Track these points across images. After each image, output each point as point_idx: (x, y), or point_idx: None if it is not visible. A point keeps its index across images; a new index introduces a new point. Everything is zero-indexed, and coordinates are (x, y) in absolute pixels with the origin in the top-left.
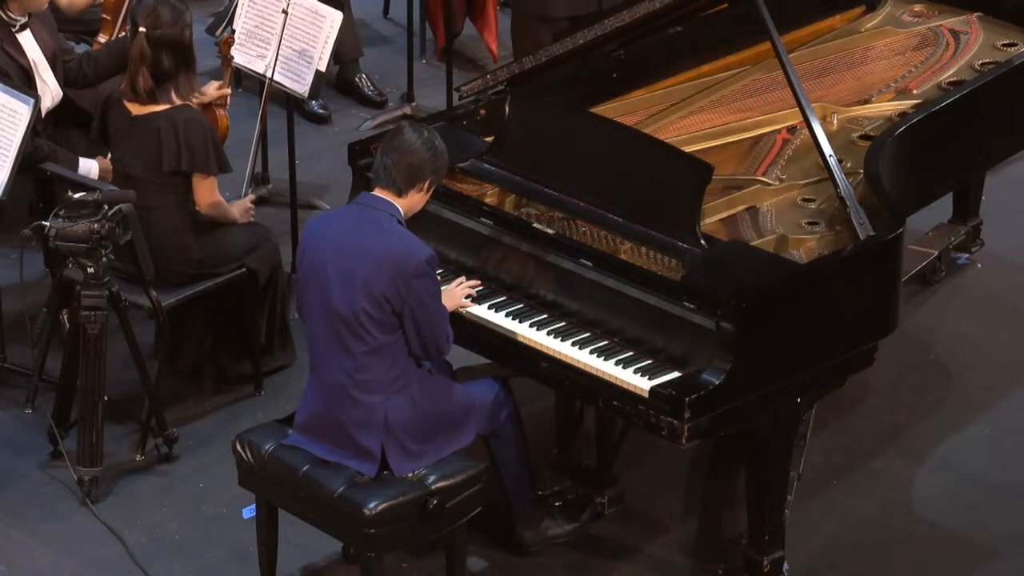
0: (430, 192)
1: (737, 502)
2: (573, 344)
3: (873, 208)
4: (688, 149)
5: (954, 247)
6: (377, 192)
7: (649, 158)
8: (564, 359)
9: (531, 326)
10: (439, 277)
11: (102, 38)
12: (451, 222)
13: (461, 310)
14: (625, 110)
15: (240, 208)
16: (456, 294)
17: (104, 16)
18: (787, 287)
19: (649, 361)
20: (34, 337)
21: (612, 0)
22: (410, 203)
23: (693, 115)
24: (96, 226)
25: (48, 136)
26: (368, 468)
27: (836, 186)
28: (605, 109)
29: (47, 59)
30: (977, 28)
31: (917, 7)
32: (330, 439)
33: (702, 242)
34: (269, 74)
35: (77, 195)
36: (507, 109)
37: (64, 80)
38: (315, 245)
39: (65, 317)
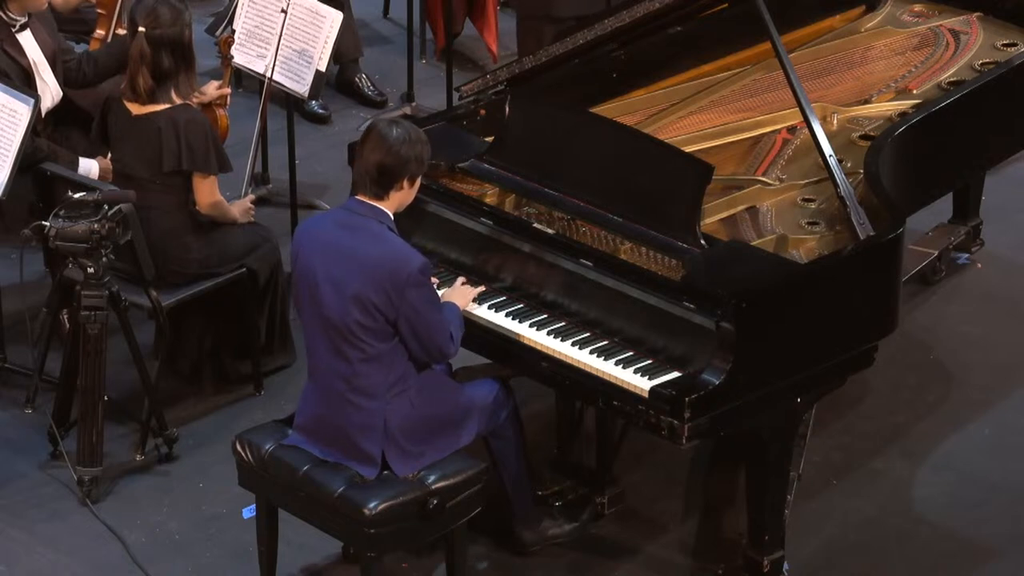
0: (416, 184)
1: (737, 502)
2: (573, 344)
3: (873, 208)
4: (688, 149)
5: (954, 247)
6: (360, 198)
7: (649, 158)
8: (564, 359)
9: (531, 326)
10: (439, 279)
11: (99, 32)
12: (451, 222)
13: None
14: (625, 110)
15: (240, 208)
16: (465, 292)
17: (99, 11)
18: (787, 287)
19: (649, 361)
20: (34, 337)
21: None
22: (396, 202)
23: (693, 115)
24: (96, 226)
25: (48, 136)
26: (369, 471)
27: (836, 186)
28: (605, 109)
29: (47, 59)
30: (977, 28)
31: (917, 7)
32: (330, 441)
33: (702, 242)
34: (269, 74)
35: (77, 195)
36: (507, 109)
37: (64, 80)
38: (305, 250)
39: (65, 317)
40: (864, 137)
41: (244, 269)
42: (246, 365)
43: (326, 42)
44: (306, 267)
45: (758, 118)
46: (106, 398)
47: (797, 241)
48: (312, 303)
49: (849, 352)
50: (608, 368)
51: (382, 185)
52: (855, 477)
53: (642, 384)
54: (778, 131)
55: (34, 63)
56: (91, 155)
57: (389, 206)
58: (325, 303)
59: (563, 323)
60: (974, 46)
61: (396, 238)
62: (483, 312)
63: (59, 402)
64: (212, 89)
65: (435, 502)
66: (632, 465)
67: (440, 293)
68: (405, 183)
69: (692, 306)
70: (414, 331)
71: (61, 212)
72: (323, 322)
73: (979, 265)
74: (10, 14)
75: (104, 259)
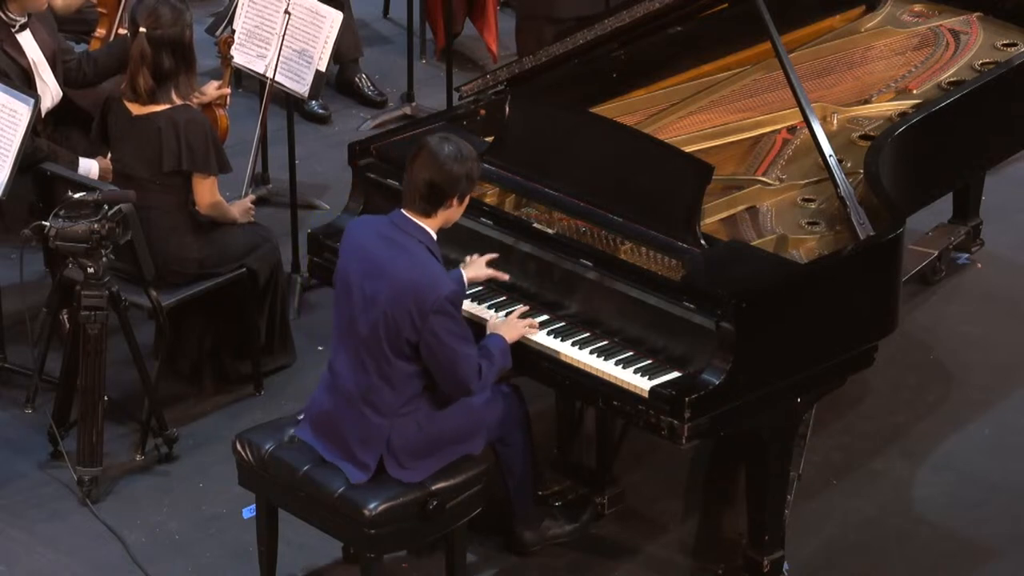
0: (465, 203)
1: (737, 502)
2: (573, 344)
3: (873, 208)
4: (688, 149)
5: (954, 247)
6: (406, 213)
7: (649, 158)
8: (564, 359)
9: None
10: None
11: (100, 32)
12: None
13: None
14: (625, 110)
15: (240, 208)
16: (516, 326)
17: (100, 11)
18: (787, 287)
19: (649, 361)
20: (34, 337)
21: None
22: (443, 219)
23: (693, 115)
24: (96, 226)
25: (48, 136)
26: (360, 476)
27: (836, 186)
28: (605, 109)
29: (47, 59)
30: (977, 28)
31: (917, 7)
32: (330, 440)
33: (702, 242)
34: (269, 74)
35: (77, 195)
36: (507, 109)
37: (64, 80)
38: (346, 253)
39: (65, 317)
40: (864, 137)
41: (244, 269)
42: (246, 365)
43: (326, 42)
44: (343, 269)
45: (758, 118)
46: (106, 398)
47: (797, 241)
48: (344, 307)
49: (849, 352)
50: (608, 368)
51: (431, 203)
52: (855, 477)
53: (642, 384)
54: (778, 131)
55: (34, 63)
56: (91, 155)
57: (434, 224)
58: (355, 313)
59: (563, 323)
60: (974, 46)
61: (432, 261)
62: (483, 313)
63: (59, 402)
64: (212, 89)
65: (435, 503)
66: (632, 465)
67: (489, 323)
68: (455, 201)
69: (692, 306)
70: (435, 359)
71: (61, 212)
72: (350, 329)
73: (979, 265)
74: (10, 14)
75: (104, 259)
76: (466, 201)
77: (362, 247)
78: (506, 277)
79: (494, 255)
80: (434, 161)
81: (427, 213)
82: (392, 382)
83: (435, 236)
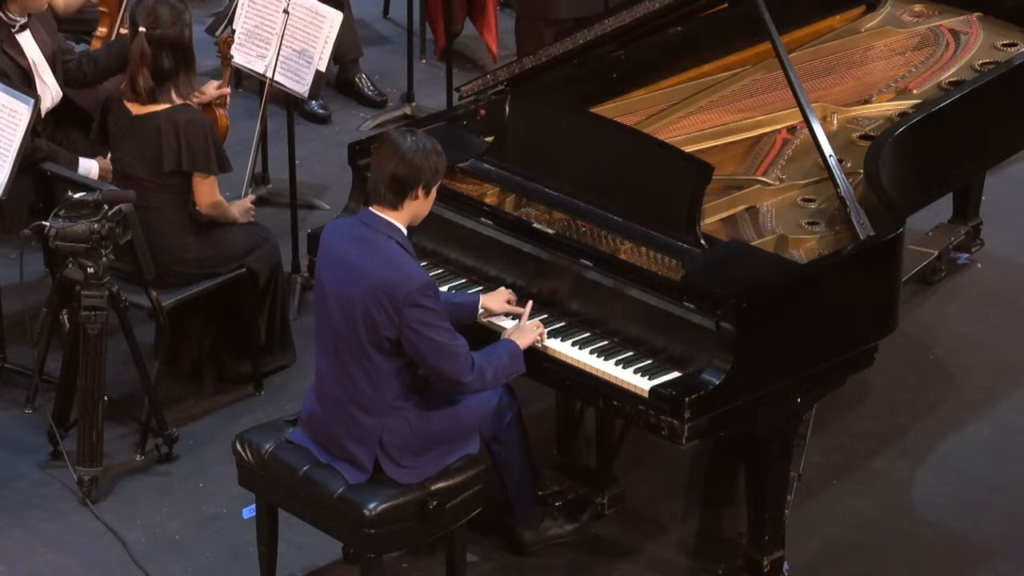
0: (431, 195)
1: (737, 502)
2: (573, 344)
3: (873, 208)
4: (688, 149)
5: (954, 247)
6: (374, 209)
7: (649, 158)
8: (564, 359)
9: None
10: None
11: (101, 30)
12: (451, 222)
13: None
14: (625, 110)
15: (240, 208)
16: (527, 330)
17: (102, 9)
18: (787, 287)
19: (649, 361)
20: (34, 337)
21: (617, 1)
22: (411, 213)
23: (693, 115)
24: (96, 226)
25: (48, 136)
26: (358, 477)
27: (836, 186)
28: (605, 109)
29: (47, 59)
30: (977, 28)
31: (917, 7)
32: (325, 443)
33: (702, 242)
34: (269, 74)
35: (77, 195)
36: (507, 109)
37: (64, 80)
38: (319, 257)
39: (65, 317)
40: (864, 137)
41: (244, 269)
42: (246, 365)
43: (326, 42)
44: (318, 274)
45: (758, 118)
46: (106, 398)
47: (797, 241)
48: (322, 311)
49: (849, 352)
50: (608, 368)
51: (396, 194)
52: (855, 477)
53: (642, 384)
54: (778, 131)
55: (34, 64)
56: (91, 155)
57: (403, 218)
58: (333, 316)
59: (563, 323)
60: (974, 46)
61: (403, 255)
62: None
63: (59, 402)
64: (212, 89)
65: (435, 503)
66: (632, 465)
67: (507, 329)
68: (420, 192)
69: (692, 306)
70: (419, 352)
71: (61, 212)
72: (331, 332)
73: (979, 265)
74: (10, 15)
75: (104, 259)
76: (432, 194)
77: (334, 250)
78: (524, 311)
79: (511, 295)
80: (396, 152)
81: (394, 206)
82: (377, 380)
83: (405, 231)
